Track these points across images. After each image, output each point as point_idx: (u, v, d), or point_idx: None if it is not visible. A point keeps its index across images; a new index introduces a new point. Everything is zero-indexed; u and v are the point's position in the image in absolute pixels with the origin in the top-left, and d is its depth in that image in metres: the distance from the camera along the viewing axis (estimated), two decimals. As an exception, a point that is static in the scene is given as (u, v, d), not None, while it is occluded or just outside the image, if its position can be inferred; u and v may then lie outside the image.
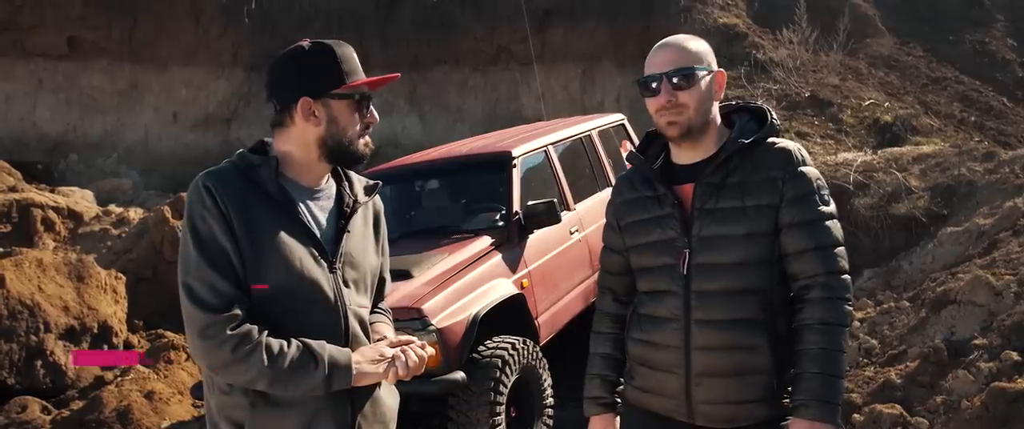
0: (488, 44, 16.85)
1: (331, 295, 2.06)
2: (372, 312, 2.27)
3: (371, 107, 2.14)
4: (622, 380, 2.41)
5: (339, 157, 2.12)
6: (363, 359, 2.05)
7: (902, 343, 5.35)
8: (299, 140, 2.09)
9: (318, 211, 2.12)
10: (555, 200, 5.48)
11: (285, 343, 1.95)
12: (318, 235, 2.07)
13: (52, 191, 12.24)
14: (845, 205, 7.94)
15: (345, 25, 16.35)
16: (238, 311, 1.94)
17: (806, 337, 2.10)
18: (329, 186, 2.18)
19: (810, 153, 9.27)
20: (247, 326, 1.93)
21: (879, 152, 9.35)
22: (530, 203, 5.48)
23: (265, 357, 1.92)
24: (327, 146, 2.09)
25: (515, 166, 5.73)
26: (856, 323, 5.98)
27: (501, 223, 5.56)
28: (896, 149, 9.39)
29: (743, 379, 2.15)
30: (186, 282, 1.97)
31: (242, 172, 2.05)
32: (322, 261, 2.06)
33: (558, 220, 5.49)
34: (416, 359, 2.10)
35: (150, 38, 16.72)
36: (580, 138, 6.77)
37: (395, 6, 17.16)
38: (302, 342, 1.97)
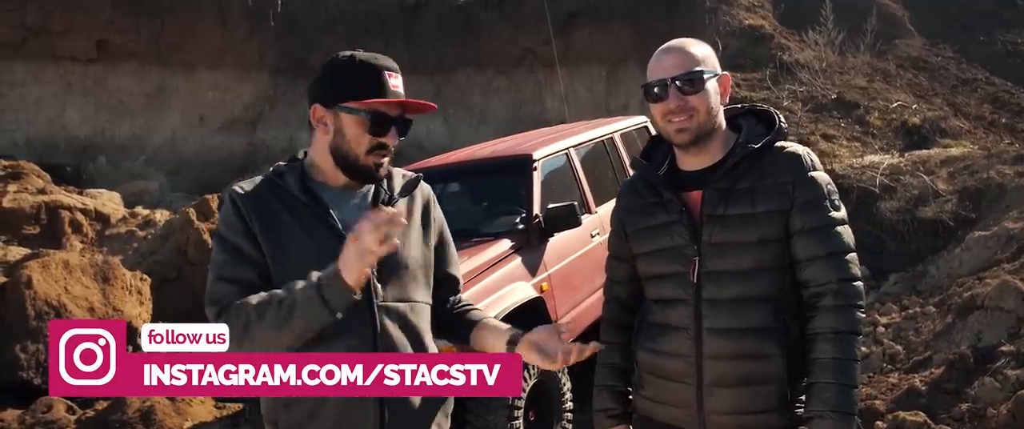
0: (512, 46, 16.88)
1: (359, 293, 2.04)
2: (458, 308, 2.30)
3: (391, 129, 2.09)
4: (631, 389, 2.37)
5: (345, 169, 2.13)
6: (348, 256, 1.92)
7: (927, 349, 5.27)
8: (319, 145, 2.14)
9: (349, 211, 2.12)
10: (576, 203, 5.45)
11: (265, 293, 1.98)
12: (345, 233, 2.06)
13: (80, 193, 12.37)
14: (871, 208, 7.86)
15: (370, 28, 16.44)
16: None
17: (819, 346, 2.05)
18: (362, 187, 2.20)
19: (836, 156, 9.24)
20: (226, 302, 2.00)
21: (906, 155, 9.24)
22: (550, 206, 5.45)
23: (250, 310, 1.95)
24: (335, 156, 2.12)
25: (535, 169, 5.69)
26: (880, 328, 5.90)
27: (521, 226, 5.52)
28: (924, 152, 9.28)
29: (756, 388, 2.10)
30: (209, 288, 2.07)
31: (270, 181, 2.13)
32: None
33: (578, 223, 5.46)
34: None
35: (177, 42, 16.91)
36: (602, 141, 6.72)
37: (420, 9, 17.22)
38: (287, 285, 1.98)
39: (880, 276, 7.40)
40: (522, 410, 4.68)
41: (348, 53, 2.11)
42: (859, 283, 2.10)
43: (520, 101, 16.94)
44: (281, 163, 2.19)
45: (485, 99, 17.18)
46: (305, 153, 2.21)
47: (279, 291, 1.96)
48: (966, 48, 13.82)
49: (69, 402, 6.88)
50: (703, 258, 2.13)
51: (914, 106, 11.22)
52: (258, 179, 2.15)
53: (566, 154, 6.12)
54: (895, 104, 11.18)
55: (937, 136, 10.14)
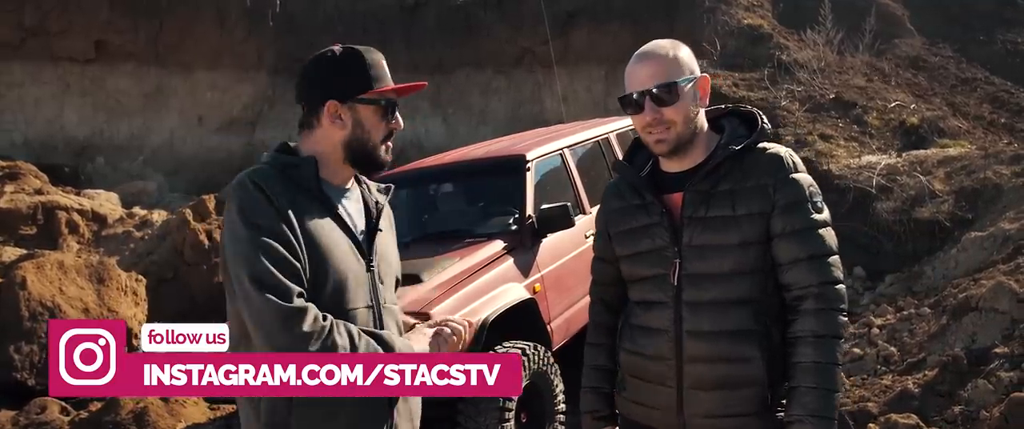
0: (511, 46, 16.84)
1: (368, 293, 2.11)
2: None
3: (396, 113, 2.17)
4: (615, 391, 2.36)
5: (361, 162, 2.15)
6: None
7: (921, 351, 5.25)
8: (326, 142, 2.12)
9: (352, 211, 2.16)
10: (569, 204, 5.43)
11: (354, 336, 1.97)
12: (356, 234, 2.12)
13: (78, 194, 12.34)
14: (868, 209, 7.83)
15: (369, 28, 16.40)
16: (308, 302, 1.94)
17: (800, 350, 2.04)
18: (355, 187, 2.23)
19: (833, 156, 9.21)
20: (319, 322, 1.93)
21: (903, 155, 9.21)
22: (544, 207, 5.43)
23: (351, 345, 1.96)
24: (352, 149, 2.13)
25: (529, 169, 5.68)
26: (875, 330, 5.88)
27: (514, 227, 5.51)
28: (921, 152, 9.24)
29: (736, 391, 2.09)
30: (254, 275, 1.91)
31: (281, 171, 2.06)
32: (361, 260, 2.11)
33: (572, 224, 5.43)
34: (458, 328, 2.16)
35: (176, 42, 16.87)
36: (597, 141, 6.70)
37: (419, 9, 17.19)
38: (372, 333, 2.02)
39: (876, 277, 7.38)
40: (513, 412, 4.66)
41: (340, 48, 2.13)
42: (841, 286, 2.08)
43: (519, 101, 16.91)
44: (281, 154, 2.12)
45: (484, 99, 17.15)
46: (293, 147, 2.16)
47: (361, 343, 1.98)
48: (966, 48, 13.76)
49: (63, 403, 6.86)
50: (683, 260, 2.12)
51: (912, 106, 11.18)
52: (266, 169, 2.06)
53: (560, 154, 6.10)
54: (893, 104, 11.14)
55: (935, 136, 10.09)
